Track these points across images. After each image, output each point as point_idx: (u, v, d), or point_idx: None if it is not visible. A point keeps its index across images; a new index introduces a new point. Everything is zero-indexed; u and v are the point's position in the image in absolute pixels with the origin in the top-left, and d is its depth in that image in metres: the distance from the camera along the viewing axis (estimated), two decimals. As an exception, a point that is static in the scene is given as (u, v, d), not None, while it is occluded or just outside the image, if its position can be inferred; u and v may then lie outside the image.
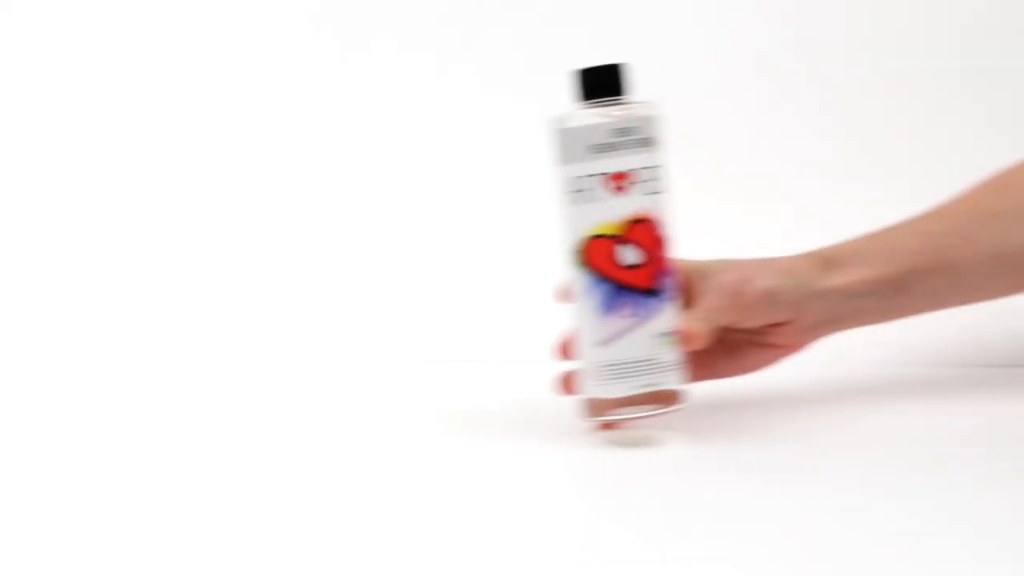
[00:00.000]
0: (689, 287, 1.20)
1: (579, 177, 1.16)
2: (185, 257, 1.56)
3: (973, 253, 1.23)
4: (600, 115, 1.16)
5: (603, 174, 1.15)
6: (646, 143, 1.16)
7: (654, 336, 1.16)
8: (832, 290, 1.21)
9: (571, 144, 1.16)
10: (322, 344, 1.51)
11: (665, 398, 1.16)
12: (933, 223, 1.25)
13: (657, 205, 1.16)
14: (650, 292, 1.16)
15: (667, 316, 1.16)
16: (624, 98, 1.17)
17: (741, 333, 1.22)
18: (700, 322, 1.17)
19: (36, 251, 1.56)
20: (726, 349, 1.22)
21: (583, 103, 1.17)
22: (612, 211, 1.15)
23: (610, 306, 1.16)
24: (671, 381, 1.16)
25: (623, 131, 1.15)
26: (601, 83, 1.17)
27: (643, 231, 1.16)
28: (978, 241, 1.24)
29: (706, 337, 1.17)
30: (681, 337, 1.16)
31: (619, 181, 1.15)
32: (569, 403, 1.19)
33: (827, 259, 1.22)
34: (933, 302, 1.25)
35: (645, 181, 1.16)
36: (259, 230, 1.56)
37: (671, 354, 1.16)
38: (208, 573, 0.94)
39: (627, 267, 1.16)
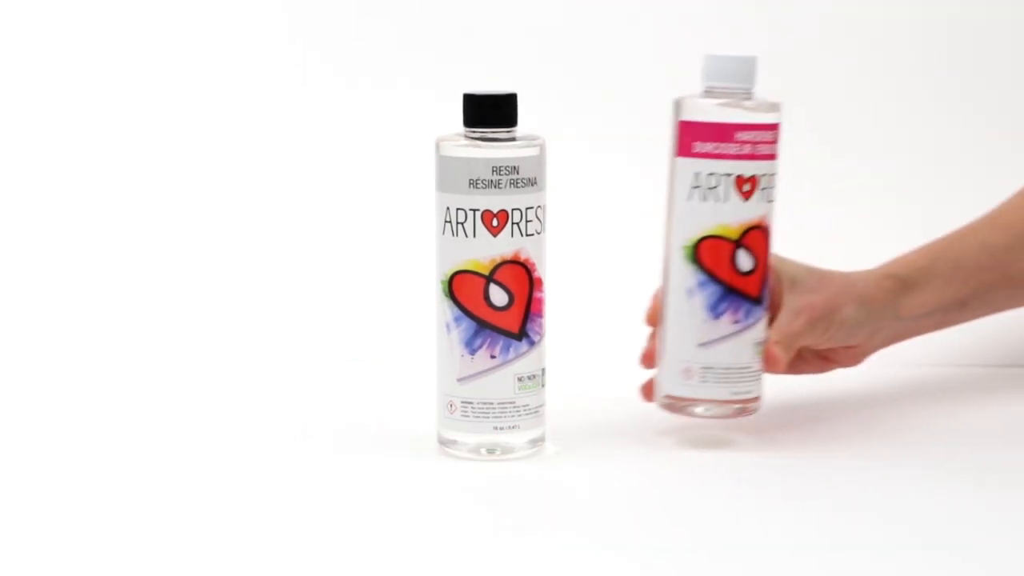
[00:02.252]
0: (775, 292, 1.17)
1: (457, 209, 1.11)
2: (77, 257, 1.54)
3: None
4: (482, 149, 1.11)
5: (478, 210, 1.11)
6: (528, 183, 1.11)
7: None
8: (904, 316, 1.23)
9: (450, 173, 1.11)
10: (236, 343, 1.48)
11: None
12: (995, 234, 1.26)
13: (534, 246, 1.12)
14: (515, 335, 1.12)
15: (531, 359, 1.13)
16: (512, 131, 1.11)
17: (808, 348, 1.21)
18: (783, 348, 1.16)
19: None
20: None
21: (468, 130, 1.11)
22: (483, 250, 1.11)
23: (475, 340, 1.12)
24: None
25: (505, 169, 1.10)
26: (489, 113, 1.11)
27: (514, 273, 1.12)
28: None
29: (786, 363, 1.16)
30: (765, 357, 1.15)
31: (497, 220, 1.11)
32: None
33: (903, 282, 1.23)
34: (988, 312, 1.28)
35: (524, 221, 1.11)
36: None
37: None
38: None
39: (495, 308, 1.12)
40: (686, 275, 1.13)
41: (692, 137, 1.12)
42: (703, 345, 1.13)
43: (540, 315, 1.13)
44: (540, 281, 1.13)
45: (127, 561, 0.98)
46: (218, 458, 1.17)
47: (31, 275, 1.50)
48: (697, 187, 1.12)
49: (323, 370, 1.39)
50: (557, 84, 1.48)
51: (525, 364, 1.13)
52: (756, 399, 1.15)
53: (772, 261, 1.16)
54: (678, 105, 1.13)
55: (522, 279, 1.12)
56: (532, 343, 1.13)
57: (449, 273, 1.12)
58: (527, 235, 1.12)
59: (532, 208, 1.12)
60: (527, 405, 1.13)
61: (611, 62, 1.51)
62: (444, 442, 1.15)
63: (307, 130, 1.53)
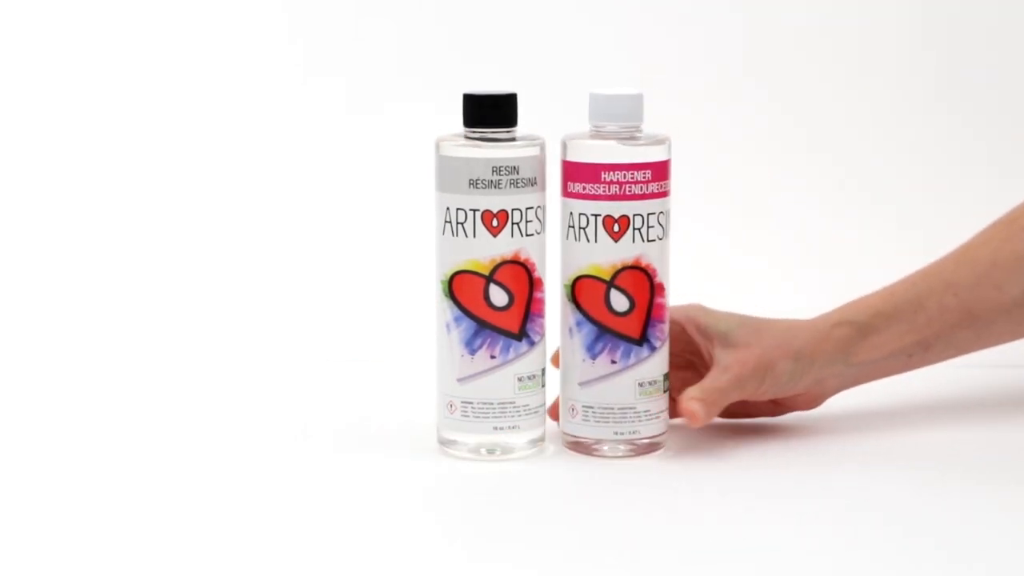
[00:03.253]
0: (702, 348, 1.16)
1: (457, 209, 1.11)
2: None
3: (1001, 303, 1.20)
4: (482, 149, 1.11)
5: (478, 210, 1.10)
6: (528, 183, 1.11)
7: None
8: (857, 362, 1.19)
9: (450, 173, 1.11)
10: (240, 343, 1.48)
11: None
12: (960, 271, 1.21)
13: (534, 246, 1.12)
14: (515, 335, 1.12)
15: (531, 359, 1.13)
16: (512, 131, 1.11)
17: None
18: (701, 405, 1.13)
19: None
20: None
21: (468, 130, 1.12)
22: (483, 250, 1.11)
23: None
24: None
25: (505, 169, 1.10)
26: (489, 113, 1.11)
27: (514, 273, 1.12)
28: (1005, 290, 1.20)
29: (707, 419, 1.13)
30: (683, 413, 1.13)
31: (497, 220, 1.11)
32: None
33: (860, 328, 1.18)
34: (954, 354, 1.22)
35: (524, 221, 1.11)
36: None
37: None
38: None
39: (495, 308, 1.12)
40: (567, 313, 1.13)
41: (567, 177, 1.12)
42: (583, 384, 1.13)
43: (540, 315, 1.13)
44: (540, 281, 1.13)
45: (127, 561, 0.99)
46: (218, 458, 1.17)
47: (30, 276, 1.50)
48: (571, 227, 1.12)
49: (323, 370, 1.39)
50: (557, 84, 1.48)
51: (525, 364, 1.13)
52: (650, 441, 1.14)
53: (699, 315, 1.16)
54: (563, 145, 1.13)
55: (522, 279, 1.12)
56: (532, 343, 1.13)
57: (449, 273, 1.12)
58: (527, 235, 1.12)
59: (532, 208, 1.12)
60: (527, 405, 1.13)
61: (611, 62, 1.51)
62: (444, 442, 1.15)
63: (307, 130, 1.53)
